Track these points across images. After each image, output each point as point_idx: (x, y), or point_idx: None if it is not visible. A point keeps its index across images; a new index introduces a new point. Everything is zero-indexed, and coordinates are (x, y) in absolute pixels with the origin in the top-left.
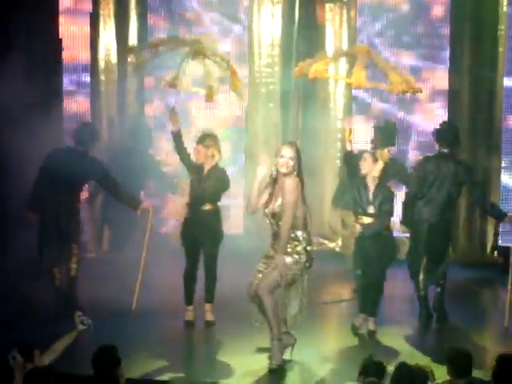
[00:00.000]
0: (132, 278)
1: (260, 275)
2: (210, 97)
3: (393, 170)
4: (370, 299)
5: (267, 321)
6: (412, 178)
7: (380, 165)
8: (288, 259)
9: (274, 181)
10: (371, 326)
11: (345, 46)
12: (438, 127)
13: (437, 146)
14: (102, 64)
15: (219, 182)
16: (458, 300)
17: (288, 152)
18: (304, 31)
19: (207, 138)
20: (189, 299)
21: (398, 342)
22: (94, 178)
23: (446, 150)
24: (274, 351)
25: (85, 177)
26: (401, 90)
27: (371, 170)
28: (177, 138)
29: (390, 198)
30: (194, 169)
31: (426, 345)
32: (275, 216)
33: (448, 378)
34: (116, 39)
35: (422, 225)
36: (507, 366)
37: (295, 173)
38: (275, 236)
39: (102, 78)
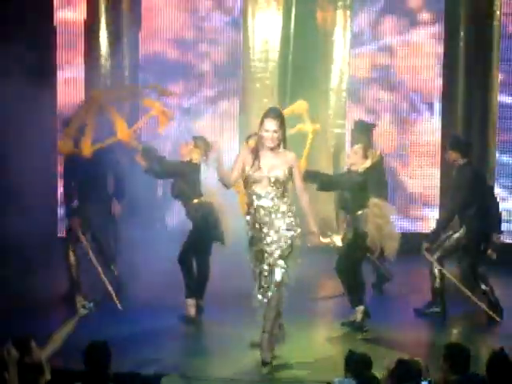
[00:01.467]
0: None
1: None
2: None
3: (374, 174)
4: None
5: (268, 309)
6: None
7: (367, 163)
8: (291, 232)
9: (257, 150)
10: (354, 317)
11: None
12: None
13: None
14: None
15: None
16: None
17: (271, 125)
18: (300, 27)
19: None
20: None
21: (390, 336)
22: None
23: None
24: (264, 344)
25: None
26: None
27: (357, 164)
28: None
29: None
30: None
31: (419, 339)
32: (277, 183)
33: (441, 373)
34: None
35: None
36: (501, 361)
37: (282, 144)
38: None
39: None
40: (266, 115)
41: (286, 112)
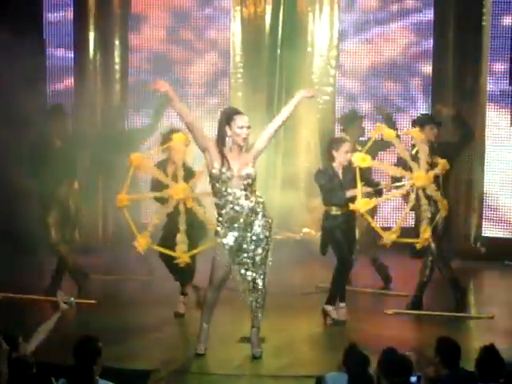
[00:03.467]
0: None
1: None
2: None
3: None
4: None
5: (256, 305)
6: None
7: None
8: (266, 232)
9: (222, 150)
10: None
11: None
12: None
13: None
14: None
15: None
16: (442, 290)
17: (245, 121)
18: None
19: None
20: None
21: (383, 331)
22: None
23: None
24: (254, 339)
25: None
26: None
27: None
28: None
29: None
30: None
31: (410, 334)
32: (247, 181)
33: (432, 367)
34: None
35: None
36: (491, 356)
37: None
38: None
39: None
40: (234, 113)
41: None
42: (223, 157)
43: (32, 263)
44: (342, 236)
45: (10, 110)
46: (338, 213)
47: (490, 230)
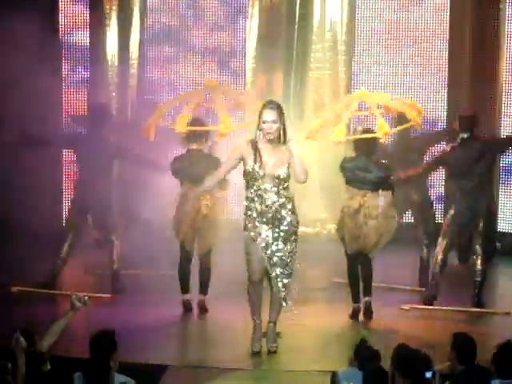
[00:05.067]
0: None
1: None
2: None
3: None
4: None
5: (275, 300)
6: None
7: None
8: (294, 228)
9: (256, 143)
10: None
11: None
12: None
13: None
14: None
15: None
16: (455, 285)
17: (270, 115)
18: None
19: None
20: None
21: (399, 326)
22: None
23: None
24: (271, 334)
25: None
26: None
27: None
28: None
29: None
30: None
31: (426, 329)
32: (279, 180)
33: (447, 363)
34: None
35: None
36: (507, 353)
37: (282, 136)
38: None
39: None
40: (264, 106)
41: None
42: (256, 152)
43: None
44: None
45: None
46: None
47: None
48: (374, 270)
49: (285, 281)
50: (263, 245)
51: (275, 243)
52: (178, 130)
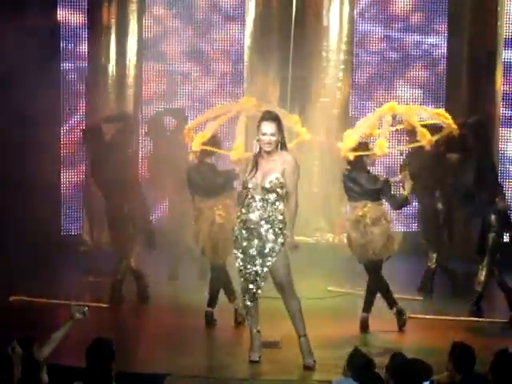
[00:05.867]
0: None
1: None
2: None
3: None
4: None
5: (294, 313)
6: None
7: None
8: (280, 240)
9: (257, 155)
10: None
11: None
12: None
13: None
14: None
15: None
16: (458, 292)
17: (268, 128)
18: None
19: None
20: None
21: (398, 335)
22: None
23: None
24: (305, 348)
25: None
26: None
27: None
28: None
29: None
30: None
31: (425, 338)
32: (271, 189)
33: (446, 372)
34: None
35: None
36: (506, 361)
37: (279, 147)
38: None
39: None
40: (262, 118)
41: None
42: (255, 164)
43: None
44: None
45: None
46: None
47: None
48: None
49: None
50: (246, 255)
51: (257, 256)
52: (193, 148)
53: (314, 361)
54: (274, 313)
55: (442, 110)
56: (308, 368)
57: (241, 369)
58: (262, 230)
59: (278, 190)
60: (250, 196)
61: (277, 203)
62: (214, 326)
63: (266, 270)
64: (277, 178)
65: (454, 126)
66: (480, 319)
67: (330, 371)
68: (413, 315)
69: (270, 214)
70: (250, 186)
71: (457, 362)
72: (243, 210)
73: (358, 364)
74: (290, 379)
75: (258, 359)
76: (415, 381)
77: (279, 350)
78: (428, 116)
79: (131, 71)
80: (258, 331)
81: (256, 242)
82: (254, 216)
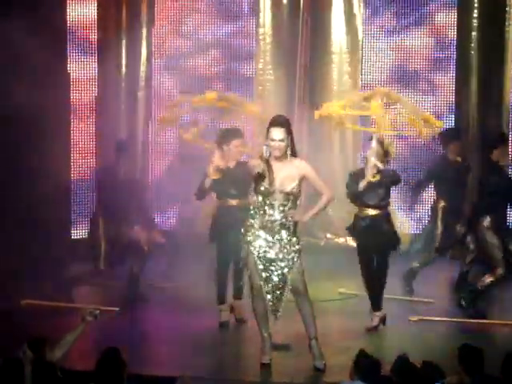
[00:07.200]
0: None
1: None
2: None
3: None
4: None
5: (306, 315)
6: None
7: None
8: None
9: (267, 161)
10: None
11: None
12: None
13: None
14: None
15: None
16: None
17: (277, 134)
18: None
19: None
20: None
21: (407, 338)
22: None
23: None
24: (316, 351)
25: None
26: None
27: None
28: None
29: None
30: None
31: (435, 341)
32: (288, 195)
33: (457, 375)
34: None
35: None
36: None
37: (289, 152)
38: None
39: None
40: (271, 124)
41: None
42: (268, 169)
43: None
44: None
45: None
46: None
47: None
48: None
49: (277, 293)
50: (261, 258)
51: (273, 258)
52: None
53: (325, 363)
54: (285, 315)
55: (430, 116)
56: (319, 370)
57: (252, 371)
58: (281, 236)
59: (296, 195)
60: (264, 201)
61: (291, 210)
62: (227, 326)
63: (283, 277)
64: (298, 185)
65: (425, 135)
66: (488, 321)
67: (341, 374)
68: (425, 317)
69: (288, 219)
70: (268, 191)
71: (466, 365)
72: (258, 213)
73: (365, 366)
74: (300, 382)
75: (268, 362)
76: (418, 382)
77: (290, 353)
78: (409, 112)
79: (142, 79)
80: (269, 334)
81: (277, 246)
82: (273, 219)
